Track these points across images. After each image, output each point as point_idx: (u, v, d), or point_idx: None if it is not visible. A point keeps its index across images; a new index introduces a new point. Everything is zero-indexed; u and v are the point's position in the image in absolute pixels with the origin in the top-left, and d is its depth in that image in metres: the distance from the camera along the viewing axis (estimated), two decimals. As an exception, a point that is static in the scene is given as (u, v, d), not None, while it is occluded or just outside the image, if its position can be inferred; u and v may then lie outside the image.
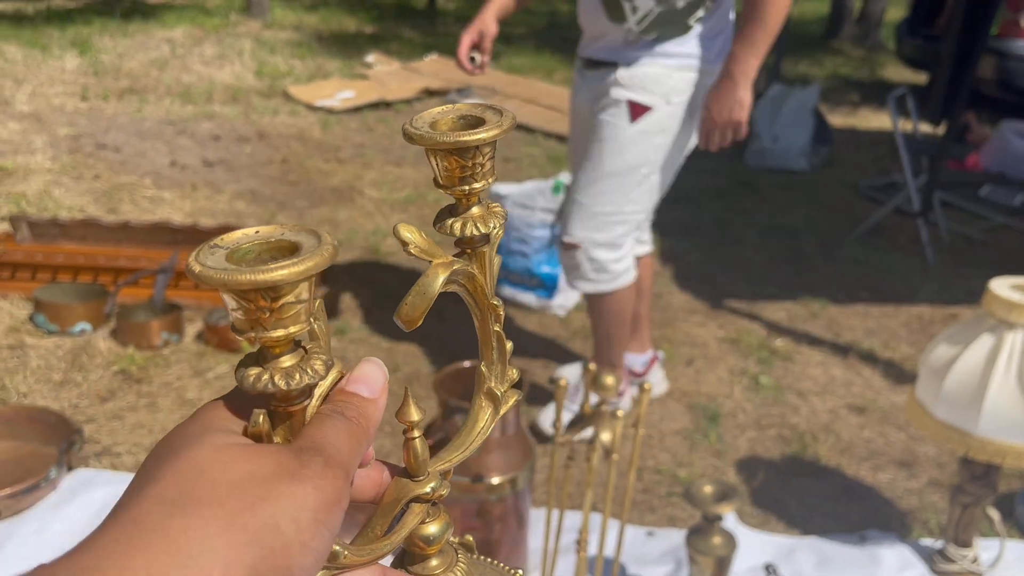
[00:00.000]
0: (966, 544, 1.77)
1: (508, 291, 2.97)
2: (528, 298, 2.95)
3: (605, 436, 1.30)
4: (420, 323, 0.39)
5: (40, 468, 1.95)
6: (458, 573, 0.44)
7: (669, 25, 1.98)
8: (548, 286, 2.93)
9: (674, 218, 3.90)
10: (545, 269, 2.92)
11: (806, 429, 2.37)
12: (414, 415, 0.41)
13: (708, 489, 1.57)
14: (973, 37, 3.62)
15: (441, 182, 0.41)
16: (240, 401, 0.37)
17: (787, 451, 2.28)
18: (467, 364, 1.81)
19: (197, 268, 0.33)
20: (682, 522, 1.99)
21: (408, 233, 0.39)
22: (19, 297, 2.82)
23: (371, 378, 0.39)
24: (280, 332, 0.34)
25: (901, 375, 2.68)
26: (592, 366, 1.32)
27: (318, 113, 5.42)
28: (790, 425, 2.39)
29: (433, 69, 6.50)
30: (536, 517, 1.87)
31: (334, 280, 3.05)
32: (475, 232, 0.41)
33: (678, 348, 2.77)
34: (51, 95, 5.37)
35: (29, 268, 2.86)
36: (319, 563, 0.33)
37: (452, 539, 0.46)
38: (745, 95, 1.95)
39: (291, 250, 0.34)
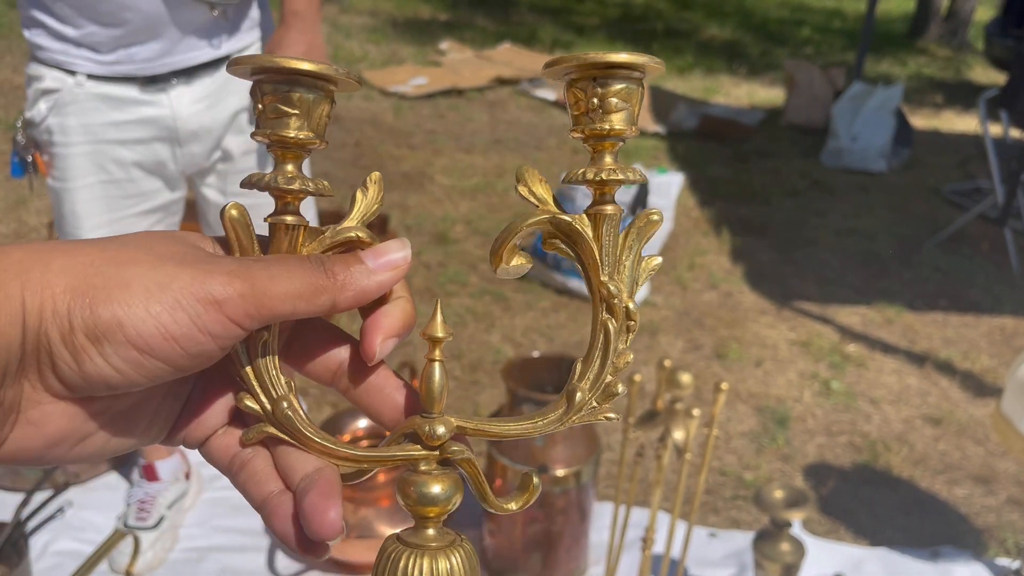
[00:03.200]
0: (1047, 567, 1.70)
1: (575, 283, 2.95)
2: (595, 291, 2.93)
3: (678, 434, 1.27)
4: (502, 260, 0.37)
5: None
6: (453, 560, 0.35)
7: None
8: (616, 280, 2.90)
9: (745, 217, 3.83)
10: (614, 262, 2.89)
11: (878, 438, 2.30)
12: (439, 331, 0.37)
13: (779, 493, 1.54)
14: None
15: (572, 122, 0.37)
16: None
17: (858, 459, 2.22)
18: (536, 354, 1.80)
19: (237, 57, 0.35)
20: (746, 525, 1.95)
21: (526, 173, 0.37)
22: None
23: (383, 251, 0.36)
24: (289, 133, 0.35)
25: (981, 388, 2.58)
26: (668, 363, 1.29)
27: (391, 99, 5.46)
28: (862, 433, 2.32)
29: (506, 57, 6.50)
30: (597, 511, 1.85)
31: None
32: (600, 177, 0.36)
33: (747, 349, 2.72)
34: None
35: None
36: (168, 342, 0.32)
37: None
38: (320, 37, 1.55)
39: None
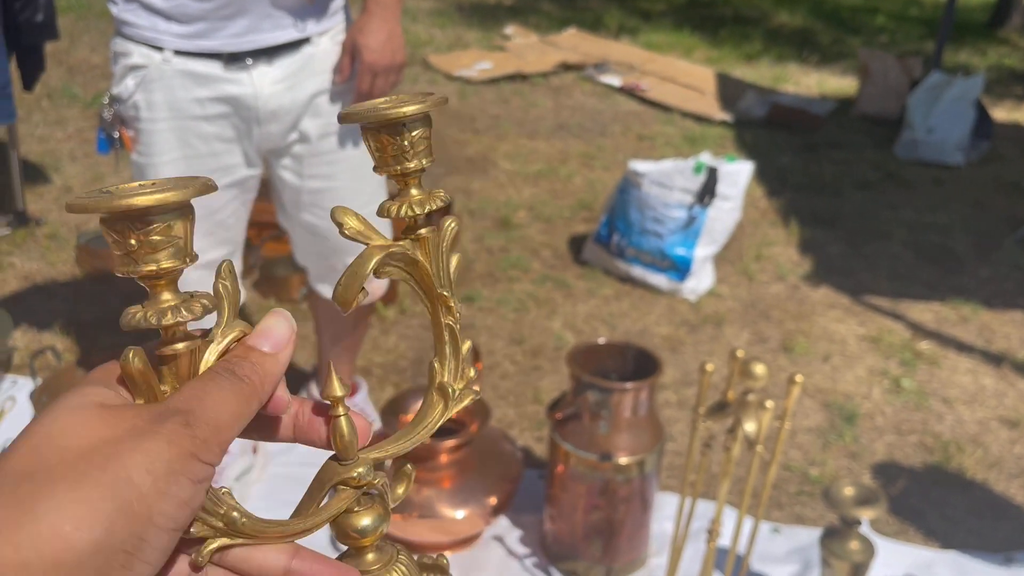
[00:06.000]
0: None
1: (639, 271, 2.92)
2: (659, 280, 2.89)
3: (749, 426, 1.25)
4: (355, 304, 0.38)
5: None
6: (395, 574, 0.41)
7: None
8: (681, 269, 2.87)
9: (814, 208, 3.75)
10: (679, 251, 2.85)
11: (951, 439, 2.23)
12: (337, 390, 0.39)
13: (849, 491, 1.50)
14: None
15: (376, 163, 0.40)
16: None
17: (929, 460, 2.15)
18: (601, 341, 1.79)
19: (71, 200, 0.33)
20: (811, 522, 1.92)
21: (342, 215, 0.39)
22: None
23: (274, 332, 0.38)
24: (151, 267, 0.34)
25: (1061, 390, 2.48)
26: (740, 353, 1.27)
27: (456, 83, 5.47)
28: (933, 433, 2.26)
29: (571, 43, 6.45)
30: (659, 502, 1.83)
31: (464, 249, 3.08)
32: (410, 212, 0.40)
33: (815, 343, 2.66)
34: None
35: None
36: (183, 509, 0.32)
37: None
38: (399, 26, 1.55)
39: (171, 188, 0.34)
